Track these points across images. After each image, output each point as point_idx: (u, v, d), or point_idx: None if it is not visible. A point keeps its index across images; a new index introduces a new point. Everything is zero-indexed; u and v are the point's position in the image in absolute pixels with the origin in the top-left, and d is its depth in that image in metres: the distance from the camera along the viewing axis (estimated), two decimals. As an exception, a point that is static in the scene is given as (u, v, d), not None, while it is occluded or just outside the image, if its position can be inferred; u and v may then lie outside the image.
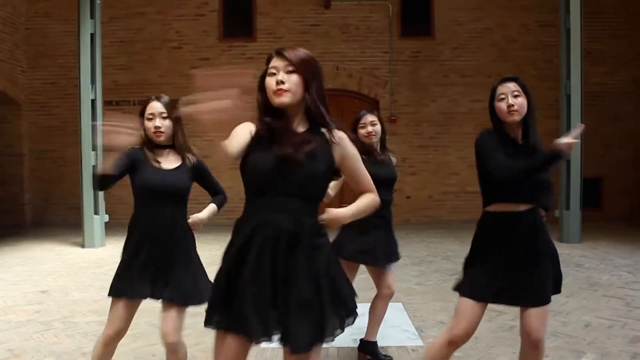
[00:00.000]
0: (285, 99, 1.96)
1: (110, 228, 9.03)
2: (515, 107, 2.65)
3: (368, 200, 2.15)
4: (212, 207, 3.10)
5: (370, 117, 3.73)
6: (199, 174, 2.99)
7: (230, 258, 1.96)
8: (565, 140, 2.43)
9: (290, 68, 1.97)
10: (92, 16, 8.62)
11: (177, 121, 2.89)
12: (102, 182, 2.73)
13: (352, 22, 11.28)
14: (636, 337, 4.18)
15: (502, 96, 2.70)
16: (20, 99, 11.02)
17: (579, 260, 7.22)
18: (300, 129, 2.04)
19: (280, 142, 1.94)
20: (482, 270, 2.66)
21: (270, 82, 1.97)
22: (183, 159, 2.90)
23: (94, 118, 8.68)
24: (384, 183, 3.59)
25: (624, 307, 5.01)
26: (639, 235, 9.07)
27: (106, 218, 8.85)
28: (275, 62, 1.99)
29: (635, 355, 3.79)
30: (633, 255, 7.43)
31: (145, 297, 2.81)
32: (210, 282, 2.15)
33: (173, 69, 11.12)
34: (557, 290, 2.78)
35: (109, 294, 2.82)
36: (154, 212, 2.82)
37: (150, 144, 2.89)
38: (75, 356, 3.93)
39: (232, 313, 1.89)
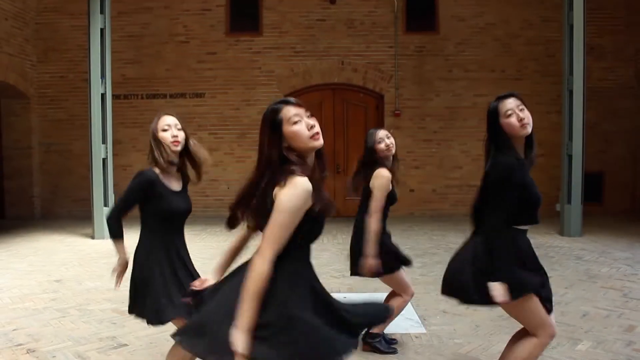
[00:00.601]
0: (321, 141, 2.05)
1: (119, 220, 9.18)
2: (526, 120, 2.69)
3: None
4: None
5: (383, 132, 3.89)
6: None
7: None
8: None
9: (309, 113, 2.06)
10: (102, 11, 8.78)
11: (187, 133, 3.05)
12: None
13: (358, 17, 11.39)
14: (632, 326, 4.33)
15: (510, 112, 2.71)
16: (30, 93, 11.18)
17: (579, 253, 7.37)
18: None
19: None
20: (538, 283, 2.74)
21: (302, 128, 2.01)
22: (185, 181, 3.09)
23: (103, 112, 8.85)
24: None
25: (621, 298, 5.16)
26: (638, 230, 9.20)
27: (115, 210, 9.01)
28: (294, 111, 2.03)
29: (630, 343, 3.94)
30: (632, 249, 7.57)
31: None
32: None
33: (180, 63, 11.28)
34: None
35: (169, 318, 2.86)
36: (177, 233, 3.03)
37: (165, 163, 2.97)
38: (92, 341, 4.11)
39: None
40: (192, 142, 3.07)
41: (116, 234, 2.97)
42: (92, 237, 8.79)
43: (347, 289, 5.63)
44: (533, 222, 2.79)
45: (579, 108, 8.62)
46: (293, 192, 1.91)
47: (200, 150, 3.09)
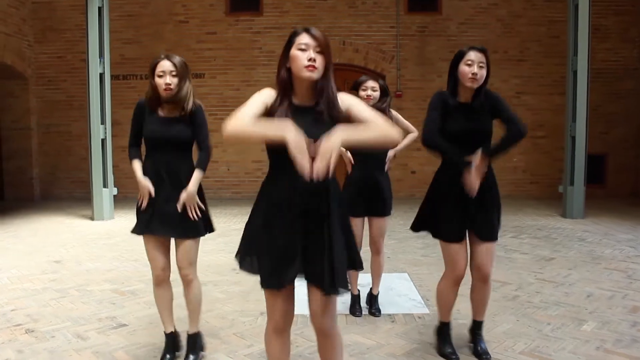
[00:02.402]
0: (314, 74, 2.17)
1: (118, 201, 9.15)
2: (477, 77, 3.01)
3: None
4: (195, 175, 3.15)
5: (372, 83, 4.07)
6: (194, 120, 3.14)
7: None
8: (473, 174, 3.02)
9: (319, 49, 2.18)
10: (100, -10, 8.63)
11: (183, 77, 3.08)
12: None
13: (359, -3, 11.25)
14: (636, 307, 4.29)
15: (470, 62, 3.02)
16: (28, 74, 11.07)
17: (582, 235, 7.32)
18: (310, 102, 2.26)
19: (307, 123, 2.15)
20: (451, 214, 3.17)
21: (302, 56, 2.16)
22: (182, 109, 3.08)
23: (102, 92, 8.74)
24: None
25: (625, 279, 5.11)
26: (641, 211, 9.16)
27: (115, 191, 8.95)
28: (306, 40, 2.18)
29: (635, 324, 3.90)
30: (635, 231, 7.52)
31: (161, 235, 3.15)
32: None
33: (180, 43, 11.14)
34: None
35: (135, 232, 3.16)
36: (159, 158, 3.09)
37: (157, 101, 3.11)
38: (92, 321, 4.06)
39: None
40: (185, 88, 3.09)
41: (133, 156, 3.19)
42: (92, 219, 8.74)
43: (348, 270, 5.59)
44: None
45: (583, 89, 8.52)
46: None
47: (191, 97, 3.13)
